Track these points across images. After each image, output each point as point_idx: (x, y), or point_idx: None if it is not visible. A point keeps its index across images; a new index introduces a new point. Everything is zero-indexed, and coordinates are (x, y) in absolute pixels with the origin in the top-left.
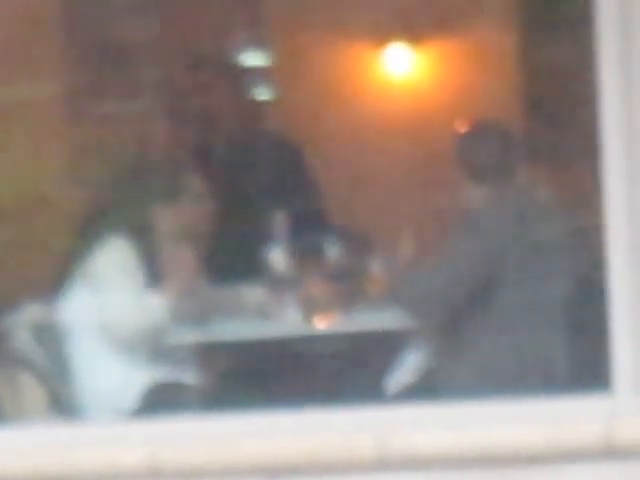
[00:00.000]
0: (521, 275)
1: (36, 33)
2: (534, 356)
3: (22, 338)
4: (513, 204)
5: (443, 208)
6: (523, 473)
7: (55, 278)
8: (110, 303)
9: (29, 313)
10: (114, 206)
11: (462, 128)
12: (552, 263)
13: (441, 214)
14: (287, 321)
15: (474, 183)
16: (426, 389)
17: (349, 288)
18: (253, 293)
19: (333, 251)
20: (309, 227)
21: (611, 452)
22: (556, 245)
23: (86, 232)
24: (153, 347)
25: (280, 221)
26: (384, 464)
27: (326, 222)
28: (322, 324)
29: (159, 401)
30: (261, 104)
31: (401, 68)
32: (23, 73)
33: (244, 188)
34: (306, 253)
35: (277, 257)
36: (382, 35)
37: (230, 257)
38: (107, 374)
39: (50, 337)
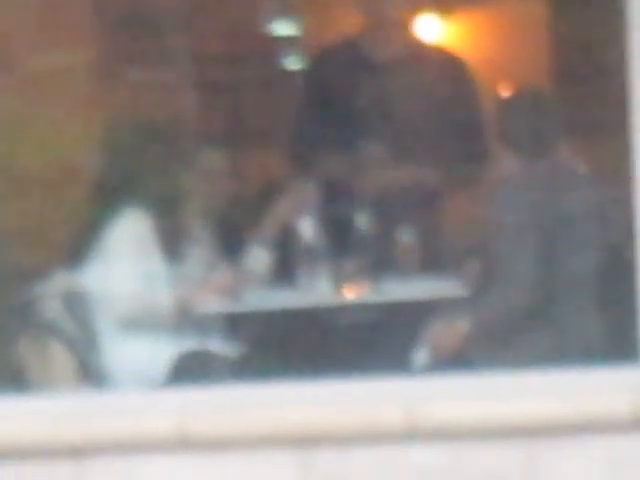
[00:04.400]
0: (550, 247)
1: (67, 0)
2: (562, 328)
3: (52, 307)
4: (549, 174)
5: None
6: (551, 444)
7: (83, 248)
8: (120, 276)
9: (59, 282)
10: (136, 176)
11: (503, 96)
12: (581, 235)
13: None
14: (316, 291)
15: (513, 152)
16: (456, 360)
17: (379, 258)
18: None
19: (363, 221)
20: (339, 197)
21: (638, 424)
22: (586, 217)
23: (107, 202)
24: (181, 317)
25: (310, 191)
26: (412, 435)
27: (356, 191)
28: (351, 294)
29: (188, 370)
30: (292, 74)
31: (432, 39)
32: (54, 41)
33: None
34: (336, 223)
35: (307, 227)
36: (413, 5)
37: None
38: (136, 343)
39: (79, 306)
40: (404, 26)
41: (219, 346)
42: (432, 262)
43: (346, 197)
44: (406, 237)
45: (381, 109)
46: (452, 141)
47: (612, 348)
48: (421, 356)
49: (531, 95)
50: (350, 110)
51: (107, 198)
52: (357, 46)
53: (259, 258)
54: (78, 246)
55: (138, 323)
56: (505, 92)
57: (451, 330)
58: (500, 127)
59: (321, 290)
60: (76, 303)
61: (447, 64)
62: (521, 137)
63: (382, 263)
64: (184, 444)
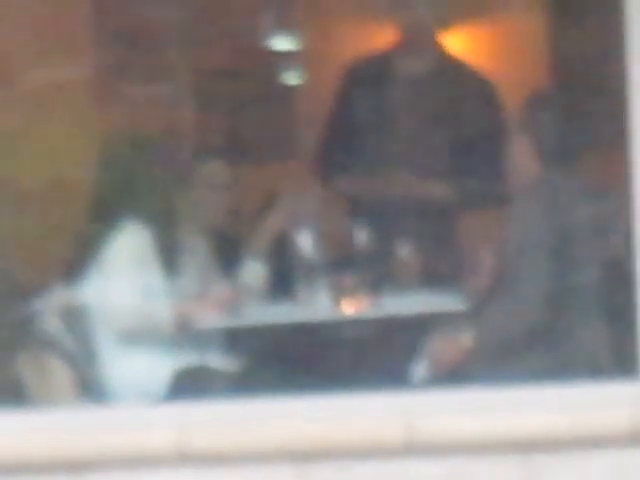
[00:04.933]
0: (552, 262)
1: (66, 15)
2: (561, 342)
3: (50, 322)
4: (562, 185)
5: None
6: (550, 459)
7: (81, 262)
8: (119, 291)
9: (58, 297)
10: (134, 190)
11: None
12: (582, 250)
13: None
14: (316, 305)
15: (536, 156)
16: (456, 374)
17: (378, 272)
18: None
19: (362, 235)
20: (338, 211)
21: (637, 438)
22: (586, 231)
23: (105, 216)
24: (180, 331)
25: (309, 205)
26: (411, 449)
27: (356, 206)
28: (351, 309)
29: (187, 385)
30: (290, 88)
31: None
32: (53, 56)
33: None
34: (335, 237)
35: (306, 241)
36: None
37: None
38: (135, 358)
39: (78, 321)
40: (435, 41)
41: (218, 361)
42: (432, 277)
43: (346, 211)
44: (405, 252)
45: (394, 126)
46: (464, 158)
47: (611, 362)
48: (421, 370)
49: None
50: (369, 125)
51: (105, 213)
52: (389, 61)
53: (254, 272)
54: (77, 261)
55: (137, 337)
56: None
57: (451, 344)
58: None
59: (320, 304)
60: (75, 318)
61: (476, 82)
62: (544, 142)
63: (381, 277)
64: (183, 459)
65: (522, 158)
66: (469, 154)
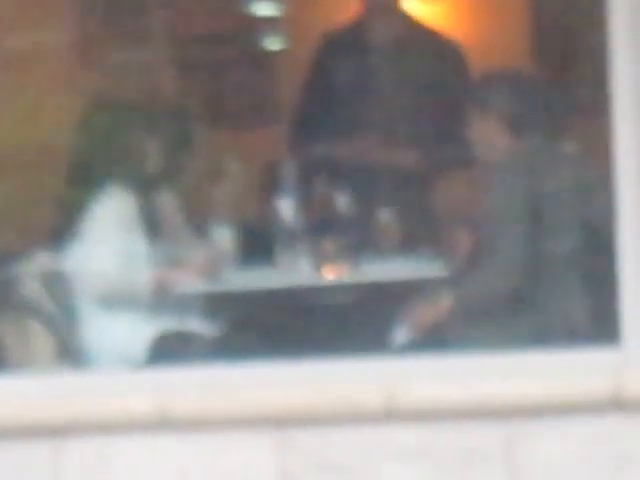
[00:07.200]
0: (533, 228)
1: None
2: (543, 308)
3: (31, 286)
4: (534, 154)
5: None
6: (531, 425)
7: (62, 228)
8: (100, 256)
9: (38, 262)
10: (117, 155)
11: (487, 75)
12: (563, 216)
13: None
14: (296, 271)
15: (506, 132)
16: (436, 340)
17: (358, 238)
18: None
19: (343, 201)
20: (319, 176)
21: (619, 404)
22: (568, 198)
23: (87, 181)
24: (161, 296)
25: (289, 170)
26: (391, 415)
27: (336, 172)
28: (331, 275)
29: (167, 350)
30: (271, 54)
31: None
32: (34, 21)
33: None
34: (316, 203)
35: (286, 207)
36: None
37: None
38: (115, 323)
39: (59, 286)
40: (400, 9)
41: (198, 326)
42: (412, 243)
43: (326, 177)
44: (386, 217)
45: (370, 93)
46: (438, 123)
47: (593, 329)
48: (401, 336)
49: (516, 73)
50: (345, 93)
51: (88, 178)
52: (359, 29)
53: (223, 237)
54: (58, 226)
55: (116, 301)
56: (489, 71)
57: (431, 310)
58: (486, 104)
59: (301, 270)
60: (56, 283)
61: (444, 47)
62: (510, 114)
63: (362, 243)
64: (163, 423)
65: (487, 134)
66: (440, 119)
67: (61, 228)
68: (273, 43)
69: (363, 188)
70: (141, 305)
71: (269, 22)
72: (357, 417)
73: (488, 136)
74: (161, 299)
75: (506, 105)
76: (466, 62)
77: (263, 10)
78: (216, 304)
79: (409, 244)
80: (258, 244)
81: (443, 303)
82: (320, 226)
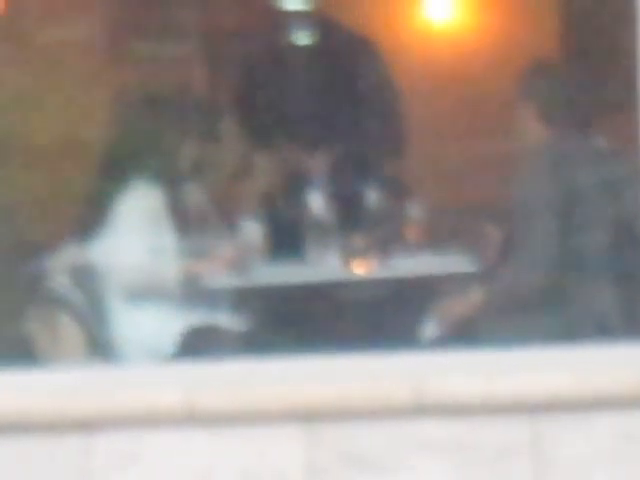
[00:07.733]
0: (564, 223)
1: None
2: (573, 303)
3: (60, 280)
4: (570, 148)
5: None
6: (559, 420)
7: (92, 221)
8: (129, 249)
9: (68, 255)
10: (146, 149)
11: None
12: (594, 211)
13: (487, 159)
14: (326, 266)
15: (543, 122)
16: (465, 335)
17: (388, 234)
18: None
19: (373, 196)
20: (349, 172)
21: None
22: (599, 191)
23: (116, 175)
24: (190, 290)
25: (320, 165)
26: (421, 410)
27: (367, 167)
28: (361, 269)
29: (196, 344)
30: (301, 49)
31: (442, 14)
32: (64, 14)
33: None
34: (346, 198)
35: (316, 202)
36: None
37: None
38: (145, 317)
39: (89, 279)
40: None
41: (228, 320)
42: (442, 238)
43: (357, 172)
44: (416, 212)
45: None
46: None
47: (623, 324)
48: (430, 331)
49: (551, 67)
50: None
51: (117, 171)
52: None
53: (252, 231)
54: (88, 219)
55: (146, 295)
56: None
57: (461, 305)
58: (527, 97)
59: (330, 265)
60: (85, 277)
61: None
62: (550, 107)
63: (392, 238)
64: (192, 418)
65: (527, 123)
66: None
67: (90, 222)
68: (302, 38)
69: (392, 183)
70: (170, 299)
71: (298, 16)
72: (386, 412)
73: (528, 124)
74: (190, 293)
75: (547, 94)
76: (380, 54)
77: (292, 4)
78: (245, 299)
79: (439, 239)
80: (288, 239)
81: (473, 298)
82: (350, 221)
